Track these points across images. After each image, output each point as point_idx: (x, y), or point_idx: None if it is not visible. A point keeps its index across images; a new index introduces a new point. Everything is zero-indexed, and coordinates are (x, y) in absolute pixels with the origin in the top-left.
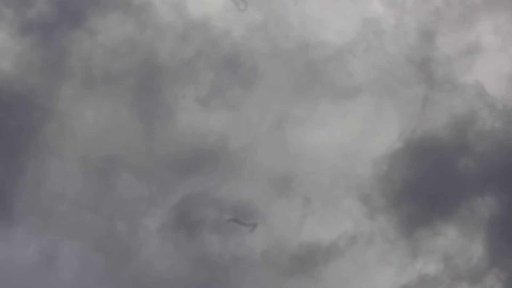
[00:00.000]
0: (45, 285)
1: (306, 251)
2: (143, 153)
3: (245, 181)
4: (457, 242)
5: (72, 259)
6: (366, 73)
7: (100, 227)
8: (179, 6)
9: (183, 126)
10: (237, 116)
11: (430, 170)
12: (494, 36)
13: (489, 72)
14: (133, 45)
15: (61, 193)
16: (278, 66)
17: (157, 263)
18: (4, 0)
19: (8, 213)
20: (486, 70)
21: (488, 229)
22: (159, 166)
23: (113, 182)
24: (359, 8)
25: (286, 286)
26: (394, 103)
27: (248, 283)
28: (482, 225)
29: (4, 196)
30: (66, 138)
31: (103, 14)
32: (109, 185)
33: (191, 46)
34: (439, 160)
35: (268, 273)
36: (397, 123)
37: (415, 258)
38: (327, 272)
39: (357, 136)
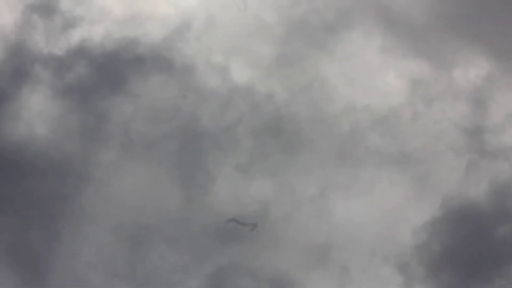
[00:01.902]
0: None
1: None
2: (180, 221)
3: (283, 250)
4: None
5: None
6: (412, 140)
7: None
8: (222, 70)
9: (223, 194)
10: (279, 184)
11: (468, 239)
12: None
13: None
14: (174, 110)
15: (95, 262)
16: (321, 131)
17: None
18: (42, 62)
19: (41, 283)
20: None
21: None
22: (196, 235)
23: (147, 251)
24: (407, 71)
25: None
26: (438, 170)
27: None
28: None
29: (38, 265)
30: (102, 206)
31: (145, 78)
32: (143, 254)
33: (233, 111)
34: (477, 228)
35: None
36: (440, 190)
37: None
38: None
39: (399, 203)
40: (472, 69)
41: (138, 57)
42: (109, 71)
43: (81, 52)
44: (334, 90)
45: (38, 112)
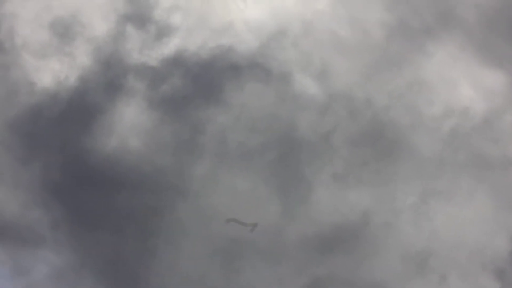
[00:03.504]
0: None
1: None
2: (276, 232)
3: (383, 259)
4: None
5: None
6: None
7: None
8: (320, 76)
9: (321, 204)
10: (378, 192)
11: None
12: None
13: None
14: (271, 118)
15: (190, 275)
16: (421, 136)
17: None
18: (136, 73)
19: None
20: None
21: None
22: (292, 246)
23: (241, 264)
24: (508, 72)
25: None
26: None
27: None
28: None
29: (134, 280)
30: (197, 219)
31: (241, 86)
32: (237, 268)
33: (330, 118)
34: None
35: None
36: None
37: None
38: None
39: (498, 209)
40: None
41: (234, 65)
42: (205, 81)
43: (176, 62)
44: (434, 93)
45: (131, 125)
